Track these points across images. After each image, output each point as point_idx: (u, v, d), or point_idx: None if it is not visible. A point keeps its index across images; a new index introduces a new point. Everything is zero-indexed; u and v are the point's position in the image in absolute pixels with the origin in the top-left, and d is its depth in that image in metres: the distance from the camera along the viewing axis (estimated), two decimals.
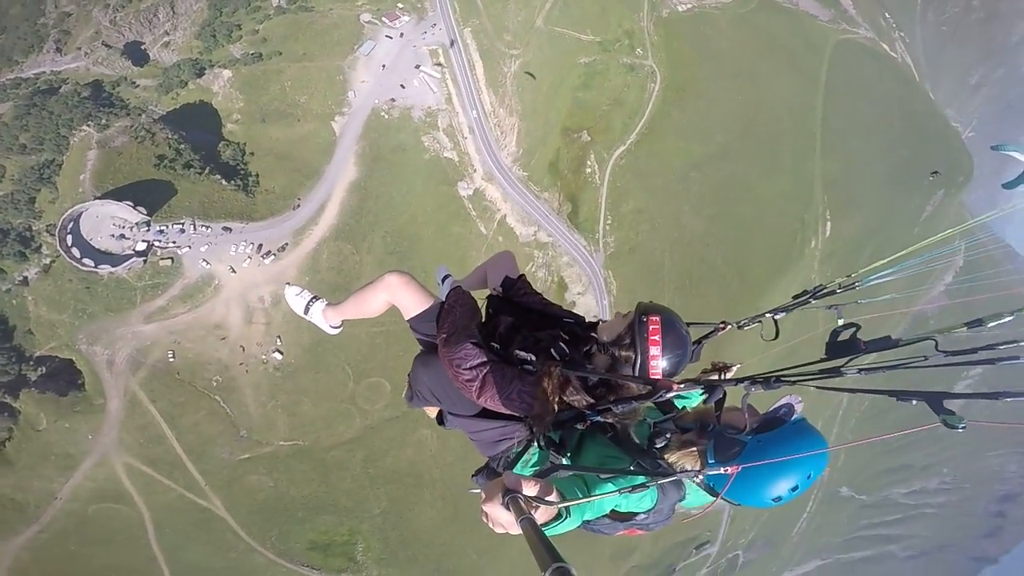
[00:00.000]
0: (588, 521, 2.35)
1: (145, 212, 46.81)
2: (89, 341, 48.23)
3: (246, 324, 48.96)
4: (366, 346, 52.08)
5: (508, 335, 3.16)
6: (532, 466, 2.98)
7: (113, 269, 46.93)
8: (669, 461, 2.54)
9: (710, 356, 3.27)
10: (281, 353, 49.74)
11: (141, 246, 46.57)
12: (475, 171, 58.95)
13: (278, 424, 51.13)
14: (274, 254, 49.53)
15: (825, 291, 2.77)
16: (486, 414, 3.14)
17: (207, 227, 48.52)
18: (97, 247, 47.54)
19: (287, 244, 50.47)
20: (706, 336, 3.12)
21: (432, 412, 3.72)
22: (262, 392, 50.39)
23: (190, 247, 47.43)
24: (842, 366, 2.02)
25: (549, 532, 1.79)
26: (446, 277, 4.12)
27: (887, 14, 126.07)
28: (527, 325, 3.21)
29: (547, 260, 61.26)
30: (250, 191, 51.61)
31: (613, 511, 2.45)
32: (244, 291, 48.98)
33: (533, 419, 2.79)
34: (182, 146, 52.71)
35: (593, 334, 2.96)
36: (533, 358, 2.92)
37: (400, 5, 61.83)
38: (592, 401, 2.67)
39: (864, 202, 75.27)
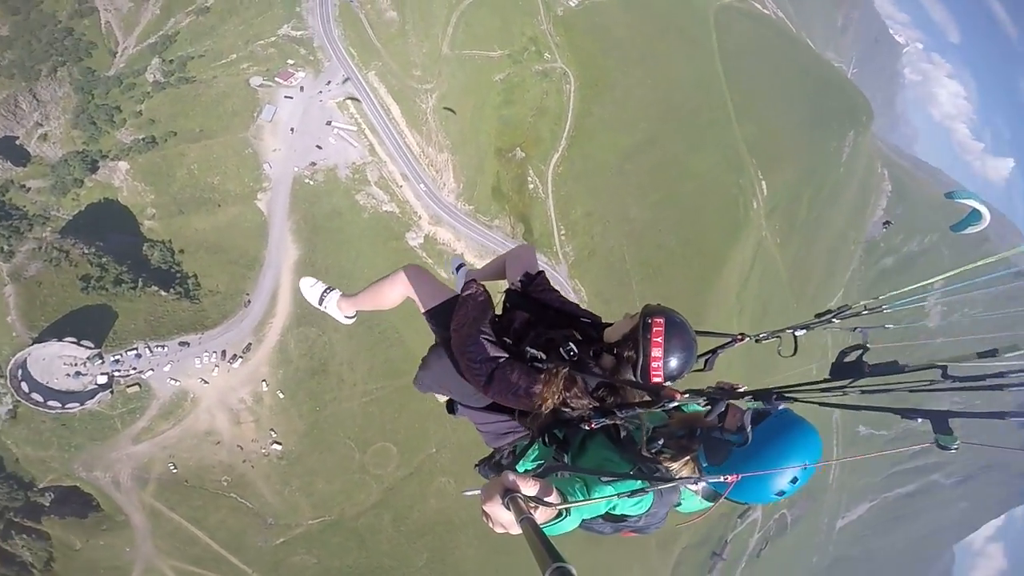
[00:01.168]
0: (585, 520, 2.30)
1: (92, 345, 44.76)
2: (86, 468, 46.60)
3: (235, 425, 47.98)
4: (361, 416, 50.88)
5: (522, 331, 3.14)
6: (534, 460, 2.93)
7: (82, 406, 44.64)
8: (667, 467, 2.46)
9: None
10: (279, 444, 49.12)
11: (102, 379, 44.81)
12: (420, 218, 56.48)
13: (300, 506, 50.44)
14: (240, 356, 47.79)
15: (850, 312, 2.63)
16: (494, 407, 3.10)
17: (163, 346, 46.49)
18: (57, 388, 44.58)
19: (250, 343, 48.54)
20: (722, 347, 2.94)
21: (443, 399, 3.65)
22: (274, 481, 49.49)
23: (152, 370, 45.80)
24: (844, 386, 2.01)
25: (549, 531, 1.77)
26: (460, 267, 4.33)
27: None
28: (542, 322, 3.18)
29: None
30: (194, 296, 49.24)
31: (608, 513, 2.36)
32: (222, 397, 47.65)
33: (537, 416, 2.75)
34: (104, 259, 47.89)
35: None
36: (543, 356, 2.88)
37: (291, 61, 57.65)
38: (596, 405, 2.68)
39: (787, 155, 78.88)
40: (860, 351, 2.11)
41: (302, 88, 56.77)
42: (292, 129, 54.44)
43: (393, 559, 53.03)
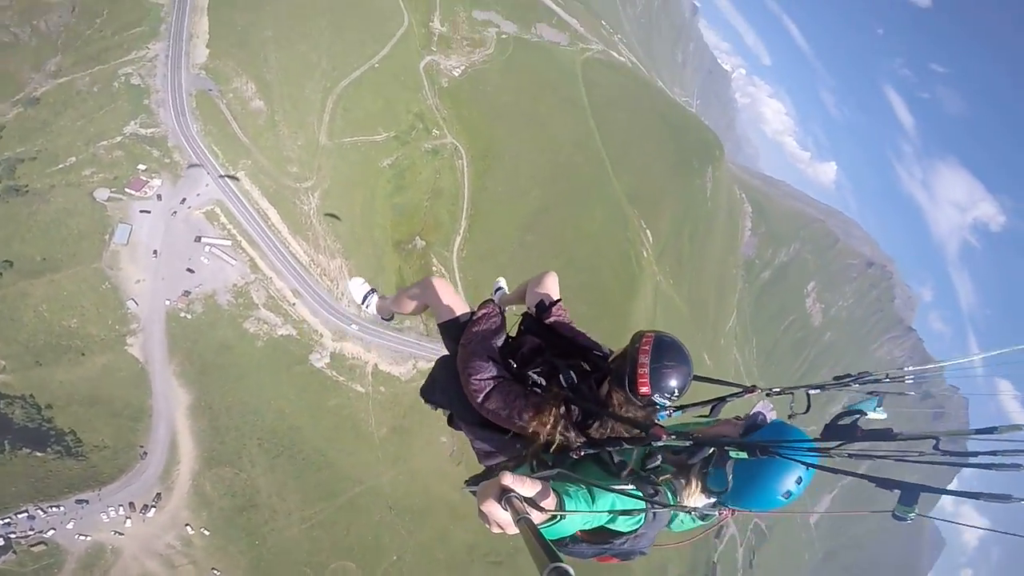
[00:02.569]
0: (567, 543, 2.30)
1: None
2: None
3: (171, 569, 43.47)
4: (307, 542, 47.52)
5: (529, 356, 3.20)
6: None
7: None
8: (670, 484, 2.51)
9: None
10: None
11: None
12: (322, 336, 51.82)
13: None
14: (152, 506, 43.70)
15: (871, 378, 2.62)
16: (489, 425, 3.10)
17: (57, 506, 41.96)
18: None
19: (159, 493, 44.21)
20: (731, 395, 2.97)
21: (445, 413, 3.66)
22: None
23: (54, 528, 41.37)
24: (833, 448, 2.05)
25: (547, 532, 1.80)
26: (499, 290, 4.33)
27: (603, 22, 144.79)
28: (553, 349, 3.23)
29: None
30: (77, 454, 42.93)
31: (601, 528, 2.33)
32: (146, 544, 43.10)
33: (528, 439, 2.80)
34: None
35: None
36: (543, 382, 2.96)
37: (142, 167, 50.20)
38: (584, 438, 2.69)
39: (662, 200, 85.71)
40: (855, 416, 2.15)
41: (159, 198, 49.51)
42: (155, 252, 47.07)
43: None
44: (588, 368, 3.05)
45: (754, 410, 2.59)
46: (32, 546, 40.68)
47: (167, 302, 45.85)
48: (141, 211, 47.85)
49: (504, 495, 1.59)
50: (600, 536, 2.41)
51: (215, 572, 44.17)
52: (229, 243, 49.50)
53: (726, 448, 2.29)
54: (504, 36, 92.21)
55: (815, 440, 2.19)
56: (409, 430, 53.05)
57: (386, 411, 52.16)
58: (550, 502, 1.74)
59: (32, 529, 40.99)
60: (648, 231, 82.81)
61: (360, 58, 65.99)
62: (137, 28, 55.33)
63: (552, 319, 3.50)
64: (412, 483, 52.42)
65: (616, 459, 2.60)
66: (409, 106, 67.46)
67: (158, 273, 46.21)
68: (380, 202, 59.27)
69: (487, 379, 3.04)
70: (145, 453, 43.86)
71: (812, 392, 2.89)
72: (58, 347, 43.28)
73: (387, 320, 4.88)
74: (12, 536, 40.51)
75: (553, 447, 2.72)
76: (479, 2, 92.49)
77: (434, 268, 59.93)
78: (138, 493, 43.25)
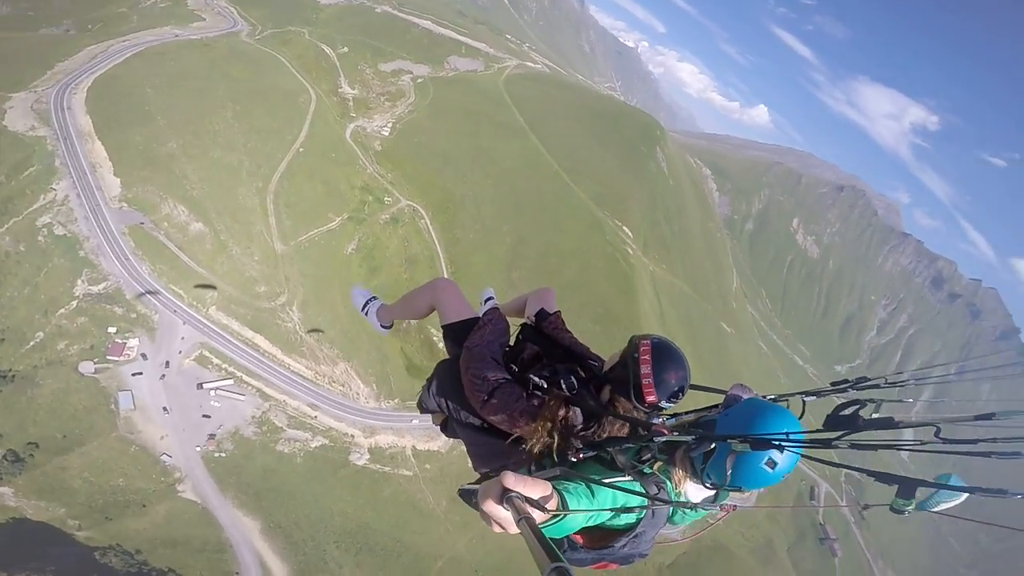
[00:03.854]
0: (564, 550, 2.32)
1: None
2: None
3: None
4: None
5: (529, 362, 3.30)
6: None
7: None
8: (665, 479, 2.54)
9: None
10: None
11: None
12: (353, 437, 50.37)
13: None
14: None
15: (868, 383, 2.56)
16: (489, 429, 3.12)
17: None
18: None
19: None
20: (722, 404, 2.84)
21: (439, 420, 3.79)
22: None
23: None
24: (834, 439, 2.05)
25: (548, 532, 1.78)
26: (489, 299, 4.14)
27: (508, 36, 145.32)
28: (551, 357, 3.32)
29: None
30: None
31: (598, 528, 2.34)
32: None
33: (529, 442, 2.79)
34: None
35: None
36: (544, 385, 3.00)
37: (112, 330, 47.14)
38: (585, 439, 2.71)
39: (626, 194, 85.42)
40: (856, 406, 2.10)
41: (144, 357, 47.02)
42: (165, 409, 46.15)
43: None
44: (585, 374, 3.13)
45: (731, 391, 2.62)
46: None
47: (197, 448, 45.95)
48: (133, 374, 46.01)
49: (505, 495, 1.57)
50: (600, 538, 2.38)
51: None
52: (231, 381, 47.61)
53: (728, 441, 2.21)
54: (420, 80, 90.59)
55: (817, 431, 2.13)
56: None
57: (439, 485, 51.67)
58: (551, 501, 1.73)
59: None
60: (625, 228, 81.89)
61: (281, 146, 63.03)
62: (31, 168, 51.34)
63: (552, 328, 3.56)
64: (486, 542, 52.04)
65: (615, 457, 2.58)
66: (351, 181, 64.58)
67: (177, 427, 45.77)
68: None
69: (490, 381, 3.03)
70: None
71: (808, 399, 2.81)
72: (118, 503, 43.47)
73: (385, 328, 4.72)
74: None
75: (554, 449, 2.71)
76: (381, 54, 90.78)
77: (436, 339, 56.71)
78: None
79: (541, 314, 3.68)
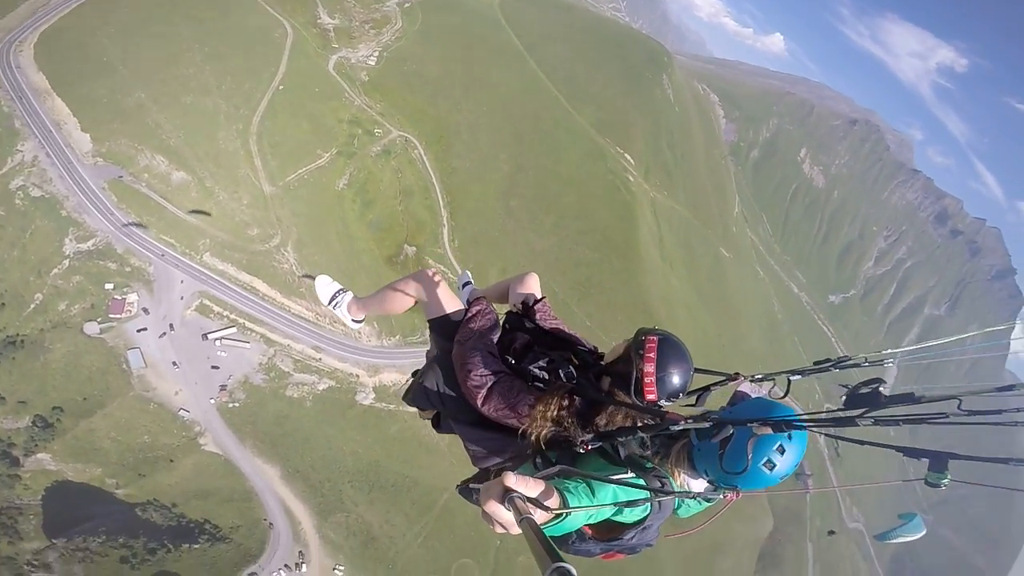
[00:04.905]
0: (573, 541, 2.34)
1: None
2: None
3: None
4: (426, 552, 50.96)
5: (522, 351, 3.19)
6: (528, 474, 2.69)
7: None
8: (666, 474, 2.52)
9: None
10: None
11: None
12: (358, 377, 50.96)
13: None
14: (301, 563, 47.34)
15: (849, 363, 2.56)
16: (486, 424, 3.03)
17: None
18: None
19: (300, 551, 47.98)
20: (715, 384, 2.88)
21: (428, 415, 3.67)
22: None
23: None
24: (857, 416, 2.00)
25: (550, 532, 1.80)
26: (467, 284, 4.02)
27: None
28: (541, 345, 3.23)
29: None
30: (223, 538, 46.06)
31: (607, 521, 2.32)
32: None
33: (532, 436, 2.71)
34: (120, 539, 43.77)
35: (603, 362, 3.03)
36: (545, 376, 2.96)
37: (110, 286, 46.67)
38: (591, 429, 2.66)
39: (630, 121, 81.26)
40: (876, 384, 2.10)
41: (146, 311, 47.05)
42: (174, 363, 46.84)
43: None
44: (578, 362, 3.05)
45: (738, 389, 2.64)
46: None
47: (211, 400, 47.11)
48: (138, 330, 46.29)
49: (507, 495, 1.57)
50: (608, 530, 2.37)
51: None
52: (234, 329, 47.71)
53: (748, 425, 2.19)
54: (407, 4, 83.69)
55: (838, 409, 2.09)
56: None
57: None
58: (553, 501, 1.73)
59: None
60: (627, 155, 78.00)
61: (259, 85, 59.46)
62: None
63: (538, 316, 3.45)
64: None
65: (618, 450, 2.55)
66: (338, 115, 61.24)
67: (188, 380, 46.83)
68: (355, 227, 54.43)
69: (488, 375, 2.94)
70: (271, 524, 47.41)
71: (794, 378, 2.76)
72: (147, 460, 45.62)
73: (357, 323, 4.43)
74: None
75: (559, 440, 2.66)
76: None
77: (431, 265, 55.69)
78: (286, 556, 47.07)
79: (527, 302, 3.55)
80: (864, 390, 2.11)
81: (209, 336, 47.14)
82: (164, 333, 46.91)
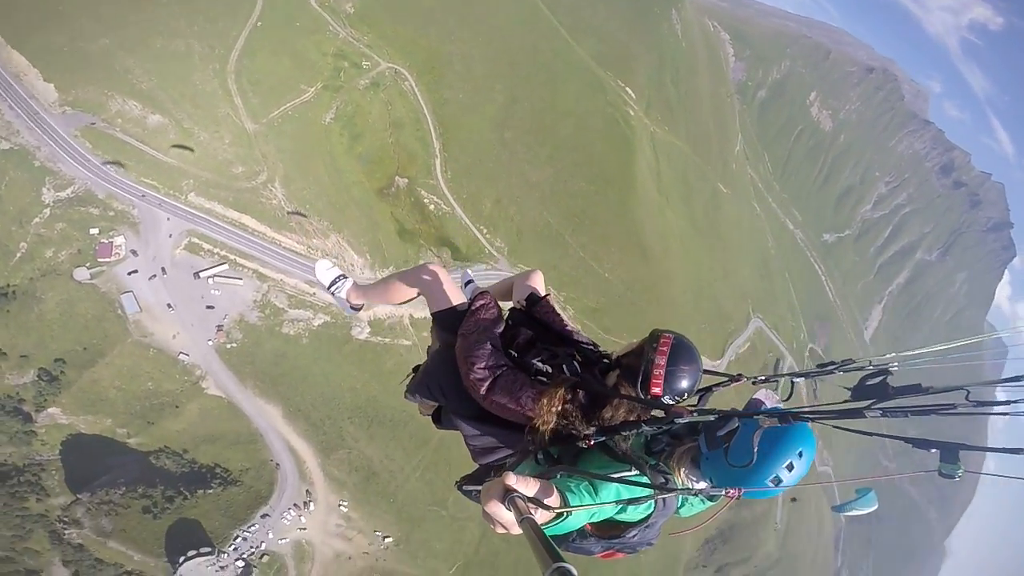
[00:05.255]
0: (574, 539, 2.35)
1: (209, 549, 46.08)
2: None
3: (349, 542, 49.71)
4: (425, 485, 51.67)
5: (525, 346, 3.19)
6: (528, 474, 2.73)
7: None
8: (670, 471, 2.53)
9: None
10: (389, 536, 50.98)
11: (240, 564, 46.43)
12: None
13: (436, 567, 53.13)
14: (309, 501, 49.01)
15: (854, 366, 2.53)
16: (488, 419, 3.02)
17: (252, 526, 47.16)
18: None
19: (307, 489, 49.50)
20: (717, 385, 2.89)
21: (428, 410, 3.70)
22: (406, 561, 52.06)
23: (264, 542, 47.51)
24: (864, 407, 2.00)
25: (550, 532, 1.79)
26: (469, 283, 4.09)
27: None
28: (544, 342, 3.23)
29: None
30: (234, 481, 47.01)
31: (609, 520, 2.35)
32: (323, 529, 48.92)
33: (535, 430, 2.69)
34: (139, 488, 45.13)
35: (606, 360, 3.02)
36: (549, 369, 2.94)
37: (94, 230, 45.27)
38: (596, 424, 2.64)
39: (633, 55, 78.47)
40: (883, 376, 2.11)
41: (135, 253, 45.87)
42: (169, 306, 45.92)
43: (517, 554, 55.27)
44: (582, 358, 3.03)
45: (754, 397, 2.55)
46: (260, 559, 47.26)
47: (209, 342, 46.18)
48: (128, 273, 45.11)
49: (508, 495, 1.56)
50: (610, 528, 2.37)
51: (377, 533, 50.01)
52: (225, 265, 46.46)
53: (755, 417, 2.21)
54: None
55: (846, 401, 2.09)
56: None
57: None
58: (554, 500, 1.72)
59: (251, 548, 46.84)
60: (628, 89, 74.37)
61: (235, 23, 55.73)
62: None
63: (543, 312, 3.41)
64: None
65: (622, 446, 2.54)
66: (322, 49, 57.97)
67: (185, 322, 46.05)
68: (343, 160, 52.27)
69: (491, 367, 2.94)
70: (277, 464, 48.04)
71: (796, 380, 2.83)
72: (154, 407, 45.27)
73: (355, 311, 4.52)
74: (245, 558, 46.97)
75: (563, 436, 2.64)
76: None
77: (426, 201, 53.55)
78: (294, 495, 48.26)
79: (531, 298, 3.49)
80: (871, 381, 2.08)
81: (201, 275, 45.93)
82: (154, 275, 45.79)
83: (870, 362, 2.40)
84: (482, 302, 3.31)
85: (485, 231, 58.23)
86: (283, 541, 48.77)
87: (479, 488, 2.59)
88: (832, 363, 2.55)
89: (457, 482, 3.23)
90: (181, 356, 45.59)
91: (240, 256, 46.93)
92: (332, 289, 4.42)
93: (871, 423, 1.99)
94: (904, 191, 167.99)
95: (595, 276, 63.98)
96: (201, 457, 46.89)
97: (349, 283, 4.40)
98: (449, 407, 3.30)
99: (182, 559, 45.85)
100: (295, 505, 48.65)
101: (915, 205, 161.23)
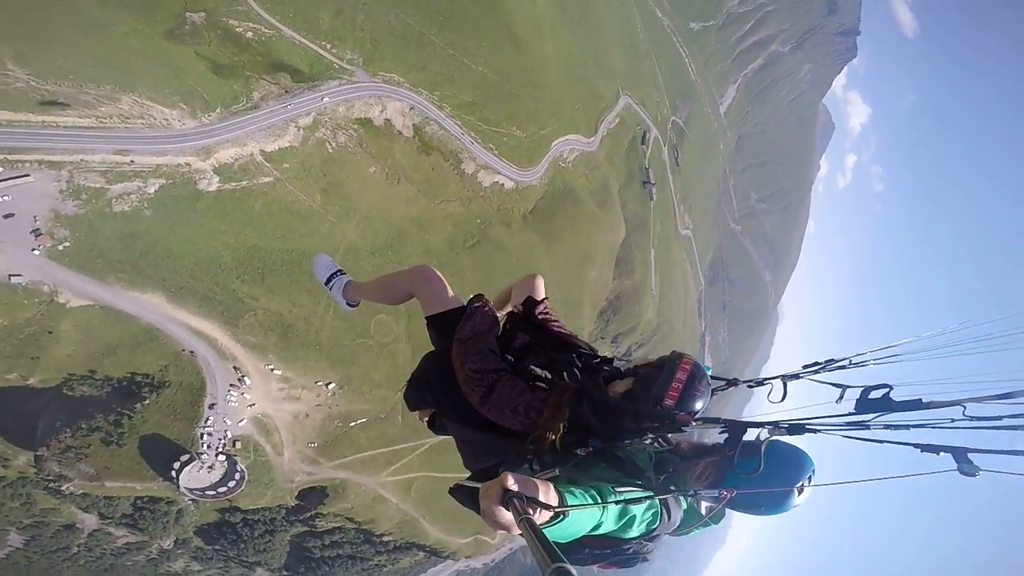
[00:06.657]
0: (574, 549, 2.37)
1: (188, 456, 46.85)
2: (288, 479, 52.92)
3: (297, 401, 50.86)
4: (341, 321, 51.31)
5: (522, 351, 3.17)
6: None
7: (237, 477, 49.43)
8: (682, 482, 2.50)
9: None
10: (331, 383, 52.09)
11: (221, 458, 48.19)
12: (189, 165, 42.83)
13: (384, 397, 54.94)
14: (242, 377, 47.71)
15: (837, 365, 2.68)
16: (483, 424, 2.97)
17: (207, 419, 47.05)
18: (215, 482, 49.05)
19: (234, 366, 47.82)
20: (715, 389, 2.93)
21: (425, 415, 3.61)
22: (356, 400, 53.97)
23: (227, 431, 48.25)
24: (870, 420, 2.10)
25: (550, 532, 1.74)
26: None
27: None
28: (542, 346, 3.22)
29: None
30: (161, 383, 45.15)
31: (609, 536, 2.34)
32: (269, 397, 49.35)
33: (533, 437, 2.68)
34: (78, 425, 43.41)
35: (606, 367, 3.04)
36: (548, 375, 2.93)
37: None
38: (596, 432, 2.65)
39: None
40: (887, 389, 2.16)
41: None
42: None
43: None
44: (580, 363, 3.00)
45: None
46: (234, 446, 48.02)
47: (36, 252, 38.12)
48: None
49: (507, 496, 1.56)
50: (608, 542, 2.36)
51: (319, 383, 50.64)
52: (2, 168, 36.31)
53: (765, 427, 2.25)
54: None
55: (852, 413, 2.15)
56: (339, 183, 50.73)
57: (305, 180, 48.36)
58: (552, 500, 1.71)
59: (221, 438, 47.20)
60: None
61: None
62: None
63: (542, 317, 3.40)
64: (373, 223, 52.91)
65: (629, 460, 2.53)
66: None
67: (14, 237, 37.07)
68: (101, 14, 38.43)
69: (488, 371, 2.93)
70: (192, 352, 45.12)
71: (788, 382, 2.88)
72: (26, 340, 39.74)
73: (352, 306, 4.26)
74: (221, 447, 47.52)
75: (561, 442, 2.62)
76: None
77: (238, 28, 43.89)
78: (226, 376, 46.72)
79: (529, 302, 3.44)
80: (875, 394, 2.12)
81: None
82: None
83: (849, 360, 2.59)
84: (478, 305, 3.27)
85: (329, 46, 49.30)
86: (242, 423, 48.01)
87: (473, 488, 2.57)
88: (816, 363, 2.70)
89: (450, 489, 3.09)
90: (13, 279, 38.01)
91: (9, 152, 36.40)
92: (328, 285, 4.28)
93: (875, 434, 2.10)
94: None
95: (468, 71, 60.32)
96: (112, 371, 43.45)
97: (345, 280, 4.22)
98: (444, 412, 3.26)
99: (174, 473, 45.98)
100: (231, 385, 46.85)
101: (778, 5, 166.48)
